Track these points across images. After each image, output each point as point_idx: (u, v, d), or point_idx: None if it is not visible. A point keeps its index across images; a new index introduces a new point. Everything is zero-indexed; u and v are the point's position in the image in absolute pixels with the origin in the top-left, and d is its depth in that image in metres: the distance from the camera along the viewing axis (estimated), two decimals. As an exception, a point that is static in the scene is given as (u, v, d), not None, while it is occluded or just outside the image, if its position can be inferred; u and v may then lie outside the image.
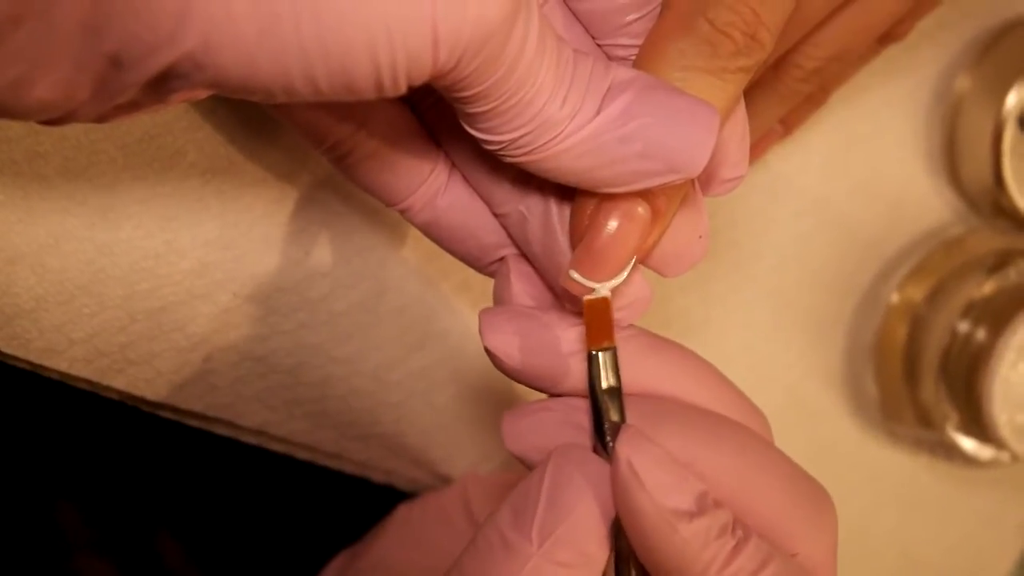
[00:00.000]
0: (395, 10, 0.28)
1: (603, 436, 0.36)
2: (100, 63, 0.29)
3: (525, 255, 0.40)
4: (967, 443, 0.60)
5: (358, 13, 0.28)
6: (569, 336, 0.37)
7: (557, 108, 0.32)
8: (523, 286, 0.39)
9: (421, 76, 0.30)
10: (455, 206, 0.40)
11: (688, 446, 0.36)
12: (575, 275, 0.36)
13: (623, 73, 0.34)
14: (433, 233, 0.41)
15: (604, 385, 0.36)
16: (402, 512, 0.52)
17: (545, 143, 0.33)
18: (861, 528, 0.64)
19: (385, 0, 0.28)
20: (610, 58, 0.37)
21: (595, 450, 0.36)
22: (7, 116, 0.30)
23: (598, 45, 0.37)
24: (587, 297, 0.36)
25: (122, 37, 0.28)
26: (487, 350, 0.38)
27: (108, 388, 0.47)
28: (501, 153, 0.34)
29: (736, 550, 0.35)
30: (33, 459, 0.58)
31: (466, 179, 0.40)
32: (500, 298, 0.40)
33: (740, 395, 0.39)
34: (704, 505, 0.35)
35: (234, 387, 0.49)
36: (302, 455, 0.54)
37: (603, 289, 0.36)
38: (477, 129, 0.33)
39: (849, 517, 0.64)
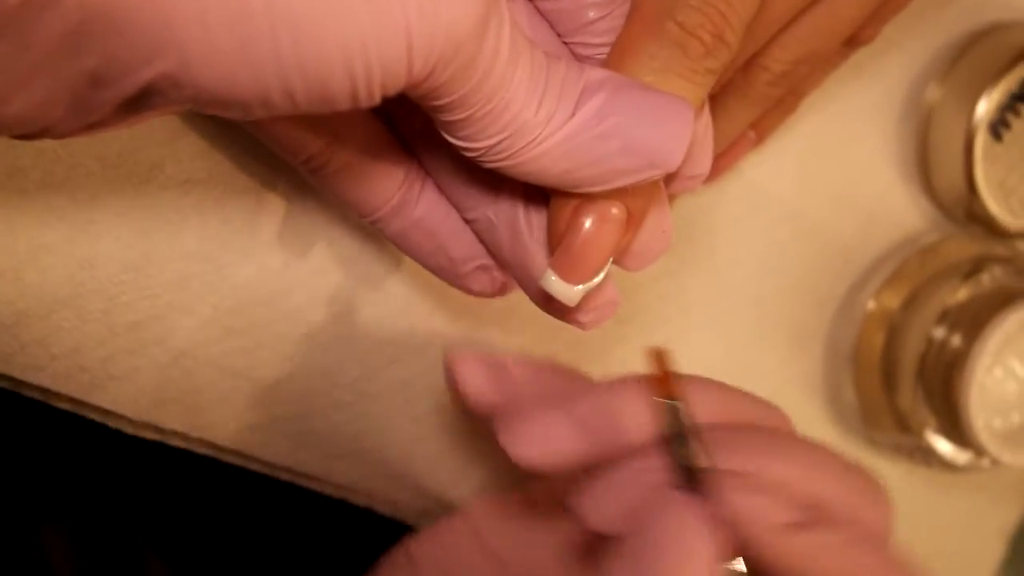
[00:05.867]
0: (370, 21, 0.28)
1: (691, 480, 0.37)
2: (78, 81, 0.29)
3: (496, 260, 0.41)
4: (945, 448, 0.61)
5: (334, 26, 0.28)
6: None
7: (532, 113, 0.33)
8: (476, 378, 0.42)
9: (396, 86, 0.30)
10: (427, 217, 0.40)
11: (760, 462, 0.38)
12: (553, 277, 0.36)
13: (596, 74, 0.34)
14: (404, 244, 0.41)
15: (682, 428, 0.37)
16: (404, 551, 0.49)
17: (523, 147, 0.33)
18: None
19: (360, 12, 0.28)
20: (575, 56, 0.38)
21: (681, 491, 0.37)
22: None
23: (564, 43, 0.38)
24: (650, 347, 0.37)
25: (101, 56, 0.28)
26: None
27: (90, 407, 0.47)
28: (481, 160, 0.34)
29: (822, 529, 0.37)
30: (18, 482, 0.58)
31: (439, 187, 0.41)
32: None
33: (751, 396, 0.41)
34: (803, 511, 0.37)
35: (217, 405, 0.49)
36: (283, 476, 0.54)
37: (579, 291, 0.36)
38: (456, 137, 0.34)
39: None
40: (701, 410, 0.39)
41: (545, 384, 0.42)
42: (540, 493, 0.48)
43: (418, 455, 0.54)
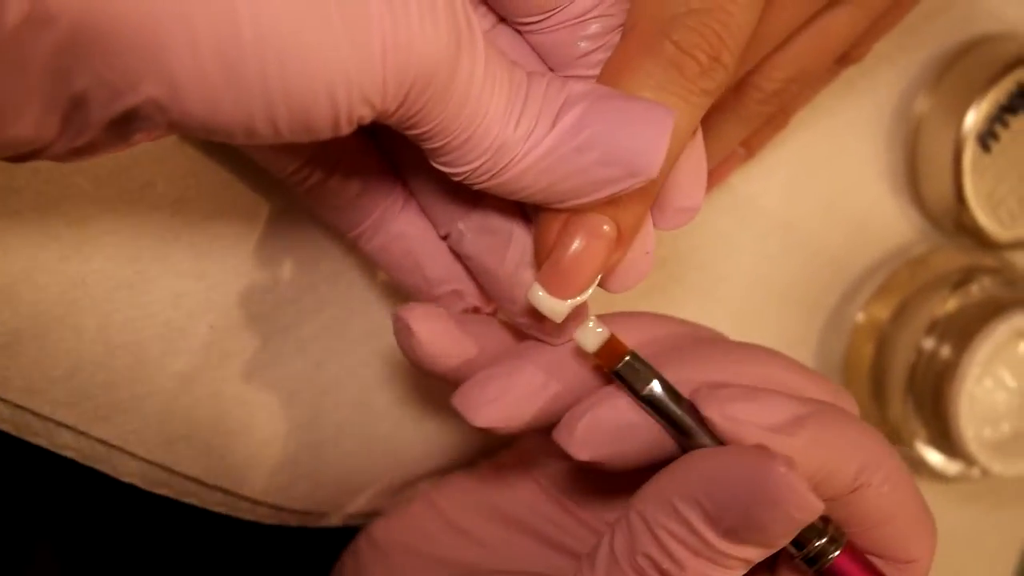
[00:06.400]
0: (351, 51, 0.29)
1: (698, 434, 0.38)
2: (68, 103, 0.29)
3: (477, 280, 0.41)
4: (936, 458, 0.61)
5: (320, 59, 0.29)
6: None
7: (511, 131, 0.33)
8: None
9: (369, 116, 0.31)
10: (405, 235, 0.41)
11: (730, 370, 0.39)
12: (540, 292, 0.36)
13: (578, 87, 0.34)
14: (382, 260, 0.42)
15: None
16: (367, 536, 0.48)
17: (505, 166, 0.33)
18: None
19: (342, 42, 0.29)
20: None
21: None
22: None
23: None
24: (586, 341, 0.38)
25: (91, 79, 0.28)
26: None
27: (96, 440, 0.46)
28: (468, 182, 0.34)
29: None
30: (11, 498, 0.57)
31: (421, 205, 0.41)
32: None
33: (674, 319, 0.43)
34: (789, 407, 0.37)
35: (228, 439, 0.48)
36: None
37: (567, 306, 0.36)
38: (440, 163, 0.34)
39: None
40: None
41: (499, 340, 0.41)
42: (509, 459, 0.48)
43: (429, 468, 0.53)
